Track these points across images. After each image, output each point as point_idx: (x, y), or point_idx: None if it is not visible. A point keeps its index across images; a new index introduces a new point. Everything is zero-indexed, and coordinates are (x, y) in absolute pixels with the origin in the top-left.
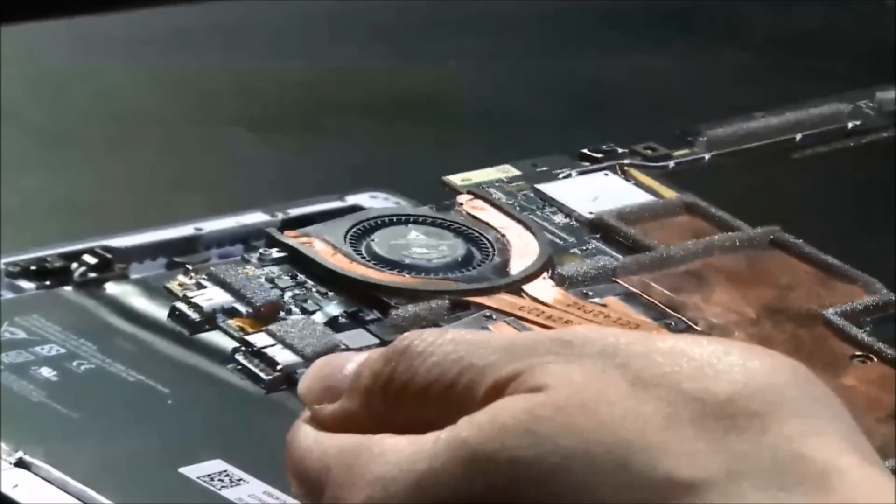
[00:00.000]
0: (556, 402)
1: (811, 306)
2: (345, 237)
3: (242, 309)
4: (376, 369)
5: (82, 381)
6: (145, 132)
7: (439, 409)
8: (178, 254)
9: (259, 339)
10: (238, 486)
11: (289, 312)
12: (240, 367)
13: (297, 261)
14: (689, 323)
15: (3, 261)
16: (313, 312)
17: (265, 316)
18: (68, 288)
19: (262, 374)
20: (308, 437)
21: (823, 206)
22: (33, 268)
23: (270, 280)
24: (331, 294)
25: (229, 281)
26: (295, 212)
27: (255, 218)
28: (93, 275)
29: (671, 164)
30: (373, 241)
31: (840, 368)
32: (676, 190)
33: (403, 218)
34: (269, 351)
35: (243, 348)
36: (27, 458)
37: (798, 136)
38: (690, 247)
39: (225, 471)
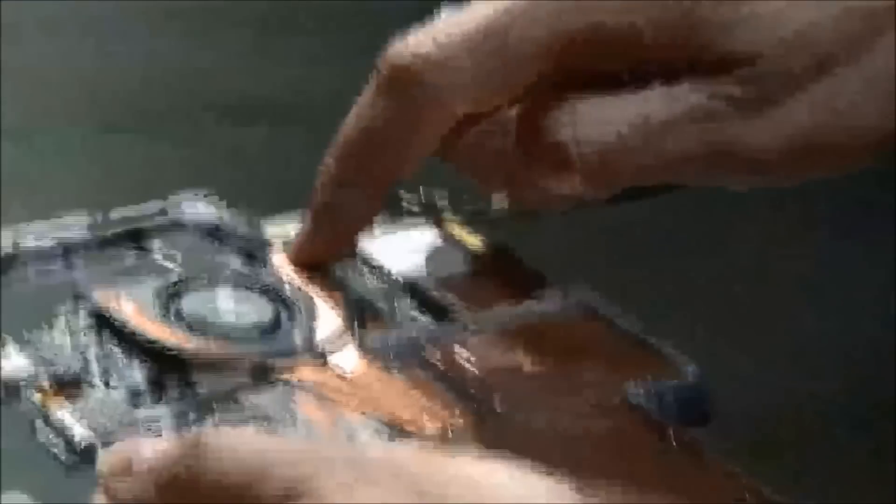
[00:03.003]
0: None
1: (616, 382)
2: (153, 298)
3: (45, 382)
4: (172, 464)
5: None
6: None
7: None
8: None
9: (60, 417)
10: None
11: (91, 384)
12: (40, 443)
13: (104, 323)
14: (491, 401)
15: None
16: (115, 384)
17: (68, 388)
18: None
19: (62, 455)
20: None
21: (641, 250)
22: None
23: (76, 346)
24: (136, 362)
25: (34, 350)
26: (116, 215)
27: (76, 221)
28: None
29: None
30: (181, 302)
31: (642, 457)
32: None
33: (212, 279)
34: (68, 430)
35: (44, 424)
36: None
37: None
38: (499, 315)
39: None
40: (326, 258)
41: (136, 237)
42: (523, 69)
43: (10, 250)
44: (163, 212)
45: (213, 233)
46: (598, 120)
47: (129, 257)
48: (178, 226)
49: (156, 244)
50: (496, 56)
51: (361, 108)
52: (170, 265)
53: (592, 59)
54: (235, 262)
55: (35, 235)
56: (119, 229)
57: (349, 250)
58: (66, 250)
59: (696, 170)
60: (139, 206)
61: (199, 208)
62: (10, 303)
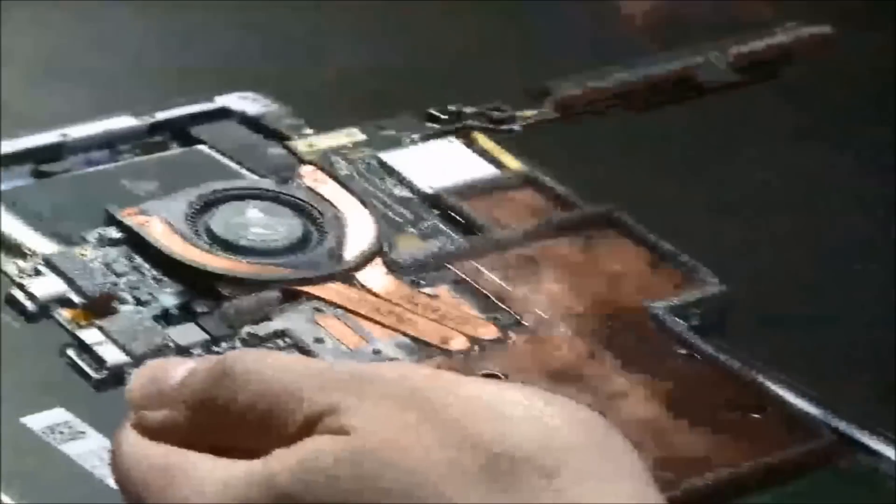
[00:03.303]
0: (358, 447)
1: (639, 298)
2: (183, 216)
3: (76, 299)
4: (200, 385)
5: None
6: None
7: (257, 434)
8: (44, 161)
9: (88, 336)
10: (78, 439)
11: (122, 302)
12: (70, 361)
13: (134, 242)
14: (517, 317)
15: None
16: (146, 303)
17: (98, 307)
18: None
19: (91, 373)
20: (132, 444)
21: (669, 170)
22: None
23: (107, 264)
24: (165, 280)
25: (64, 269)
26: (163, 115)
27: (122, 123)
28: None
29: (516, 126)
30: (211, 219)
31: (660, 368)
32: (520, 157)
33: (243, 193)
34: (98, 349)
35: (74, 343)
36: None
37: (644, 93)
38: (524, 230)
39: (67, 421)
40: None
41: (181, 129)
42: None
43: (57, 140)
44: (207, 105)
45: (258, 124)
46: None
47: (174, 149)
48: (223, 117)
49: (201, 135)
50: None
51: None
52: (217, 156)
53: None
54: (276, 152)
55: (82, 127)
56: (164, 119)
57: None
58: (112, 141)
59: None
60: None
61: (243, 102)
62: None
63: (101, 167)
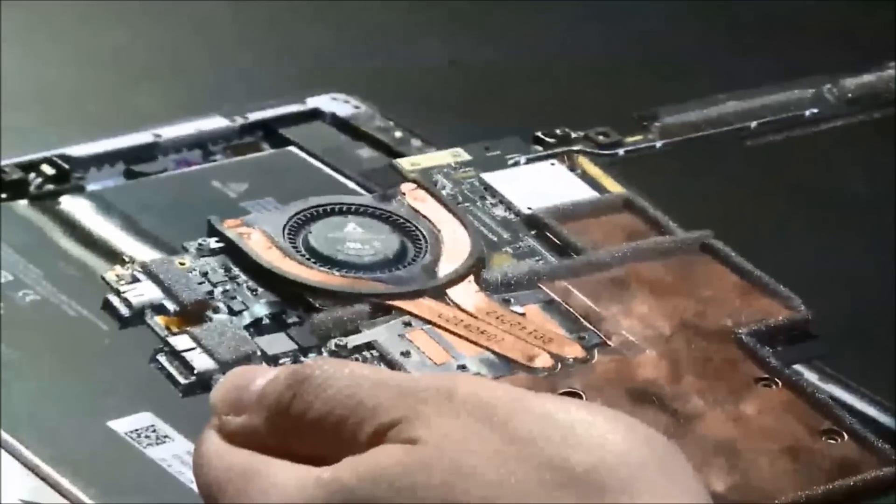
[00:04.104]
0: (426, 457)
1: (726, 323)
2: (283, 229)
3: (170, 307)
4: (279, 393)
5: (26, 314)
6: None
7: (331, 441)
8: (137, 161)
9: (180, 342)
10: (163, 443)
11: (216, 311)
12: (160, 367)
13: (233, 253)
14: (603, 337)
15: None
16: (239, 312)
17: (191, 315)
18: (24, 202)
19: (179, 378)
20: (213, 448)
21: (769, 201)
22: None
23: (204, 273)
24: (260, 291)
25: (161, 277)
26: (254, 116)
27: (214, 123)
28: (50, 186)
29: (621, 151)
30: (310, 233)
31: (742, 393)
32: (621, 181)
33: (344, 208)
34: (187, 355)
35: (165, 349)
36: None
37: (753, 124)
38: (618, 252)
39: (152, 426)
40: None
41: (272, 130)
42: None
43: (149, 140)
44: (299, 106)
45: (348, 126)
46: None
47: (265, 150)
48: (314, 118)
49: (292, 136)
50: None
51: None
52: (307, 157)
53: None
54: (366, 154)
55: (174, 128)
56: (256, 120)
57: None
58: (203, 141)
59: None
60: (276, 101)
61: (334, 104)
62: (146, 196)
63: (192, 168)
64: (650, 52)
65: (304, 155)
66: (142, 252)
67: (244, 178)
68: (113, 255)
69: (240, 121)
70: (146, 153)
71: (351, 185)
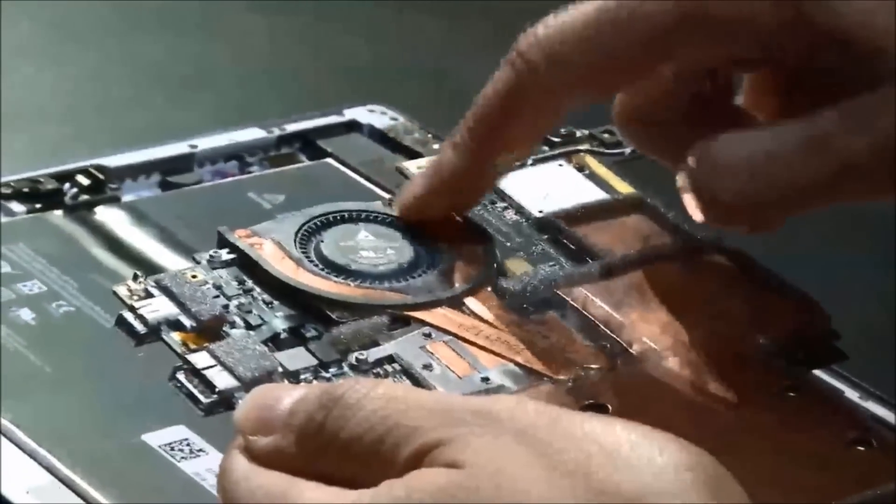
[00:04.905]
0: (470, 483)
1: (747, 328)
2: (294, 238)
3: (187, 322)
4: (310, 413)
5: (59, 326)
6: None
7: (365, 463)
8: (173, 172)
9: (199, 360)
10: (197, 457)
11: (232, 325)
12: (180, 385)
13: (246, 265)
14: (625, 345)
15: None
16: (257, 327)
17: (208, 331)
18: (59, 212)
19: (200, 397)
20: (240, 469)
21: None
22: (25, 189)
23: (218, 287)
24: (276, 304)
25: (175, 292)
26: (291, 127)
27: (251, 134)
28: (85, 197)
29: (628, 150)
30: (322, 241)
31: (768, 401)
32: (630, 182)
33: (354, 215)
34: (208, 373)
35: (184, 367)
36: None
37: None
38: (634, 256)
39: (186, 439)
40: (427, 213)
41: (310, 142)
42: (635, 48)
43: (186, 151)
44: (336, 118)
45: (386, 138)
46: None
47: (302, 161)
48: (351, 130)
49: (329, 148)
50: (607, 33)
51: (491, 81)
52: (343, 169)
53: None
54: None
55: (210, 139)
56: (293, 131)
57: (450, 209)
58: (240, 152)
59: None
60: (313, 112)
61: (372, 115)
62: (182, 207)
63: (228, 179)
64: None
65: (341, 167)
66: (176, 264)
67: (281, 190)
68: (147, 267)
69: (277, 132)
70: (182, 164)
71: (388, 197)
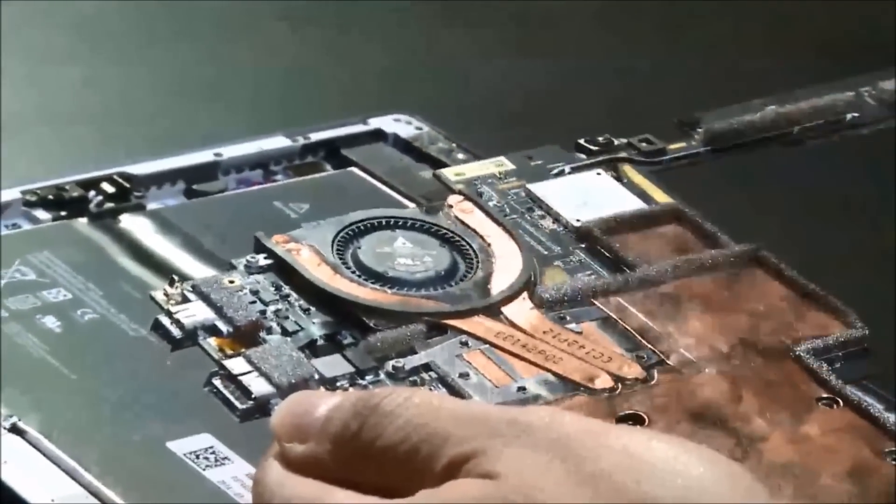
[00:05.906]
0: (504, 494)
1: (784, 339)
2: (332, 244)
3: (223, 328)
4: (345, 421)
5: (84, 334)
6: None
7: (401, 471)
8: (198, 180)
9: (236, 366)
10: (222, 465)
11: (269, 331)
12: (216, 391)
13: (283, 270)
14: (661, 355)
15: (20, 189)
16: (293, 333)
17: (245, 336)
18: (83, 220)
19: (236, 403)
20: (275, 476)
21: (818, 207)
22: (50, 197)
23: (255, 292)
24: (312, 310)
25: (213, 297)
26: (316, 136)
27: (275, 143)
28: (109, 204)
29: (665, 159)
30: (359, 248)
31: (804, 413)
32: (668, 190)
33: (391, 222)
34: (244, 379)
35: (221, 372)
36: (21, 424)
37: (795, 129)
38: (670, 267)
39: (211, 447)
40: None
41: (334, 151)
42: None
43: (210, 159)
44: (361, 127)
45: (411, 147)
46: None
47: (327, 170)
48: (376, 139)
49: (354, 157)
50: None
51: None
52: (368, 178)
53: None
54: (428, 176)
55: (235, 147)
56: (318, 140)
57: None
58: (265, 161)
59: None
60: (338, 121)
61: (397, 125)
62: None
63: (253, 188)
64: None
65: (365, 176)
66: (201, 272)
67: (305, 199)
68: (172, 275)
69: (302, 141)
70: (207, 172)
71: (412, 206)
